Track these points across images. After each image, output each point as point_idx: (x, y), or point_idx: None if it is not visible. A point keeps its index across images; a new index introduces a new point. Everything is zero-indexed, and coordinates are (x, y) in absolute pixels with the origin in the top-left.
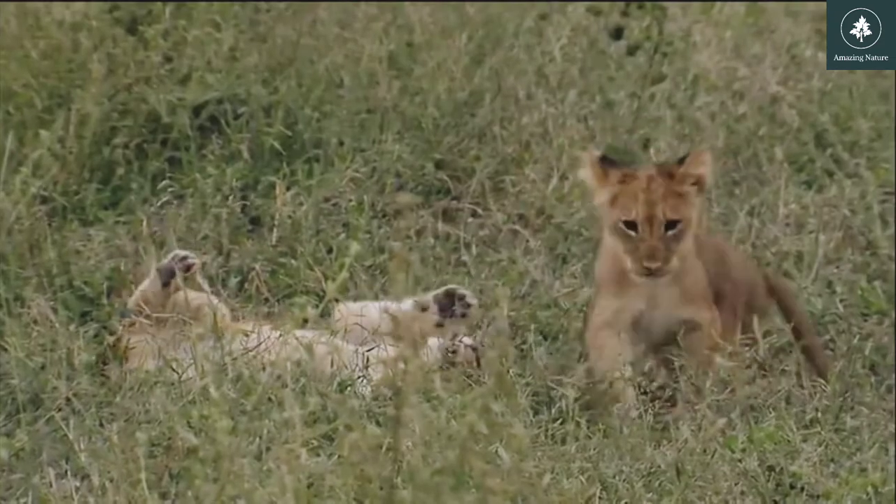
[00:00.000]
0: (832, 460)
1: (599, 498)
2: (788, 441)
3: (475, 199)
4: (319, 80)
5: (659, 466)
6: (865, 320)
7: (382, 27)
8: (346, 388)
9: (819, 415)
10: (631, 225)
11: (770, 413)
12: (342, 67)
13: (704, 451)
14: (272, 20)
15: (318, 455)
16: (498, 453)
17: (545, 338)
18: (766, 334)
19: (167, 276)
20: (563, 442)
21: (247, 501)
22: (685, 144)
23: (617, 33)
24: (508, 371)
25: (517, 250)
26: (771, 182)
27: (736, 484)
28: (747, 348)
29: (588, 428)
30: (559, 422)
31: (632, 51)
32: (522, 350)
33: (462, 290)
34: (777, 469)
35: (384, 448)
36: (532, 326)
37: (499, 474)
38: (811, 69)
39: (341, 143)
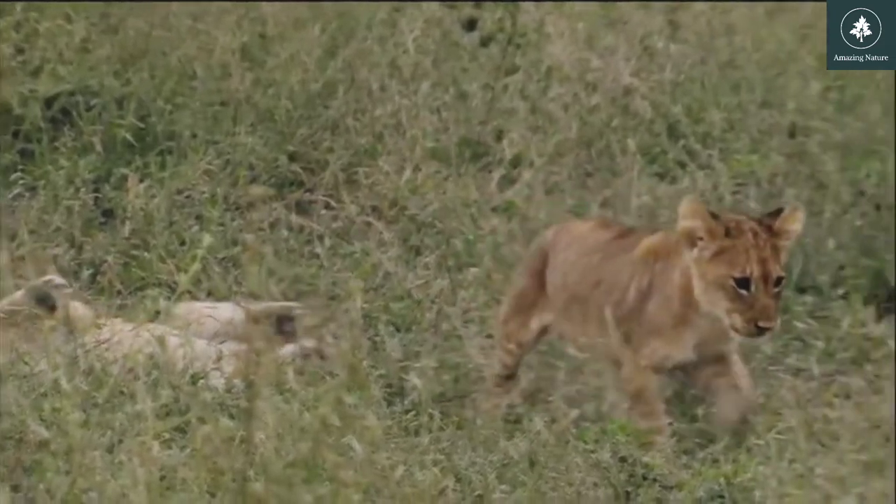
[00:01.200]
0: (685, 452)
1: (453, 490)
2: (642, 432)
3: (328, 191)
4: (172, 72)
5: (512, 458)
6: None
7: (235, 19)
8: (198, 380)
9: (671, 406)
10: (743, 282)
11: (623, 404)
12: (195, 59)
13: (557, 442)
14: (124, 12)
15: (171, 448)
16: (351, 445)
17: (398, 329)
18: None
19: (39, 299)
20: (417, 433)
21: (98, 494)
22: (539, 136)
23: (470, 25)
24: (361, 363)
25: (370, 242)
26: (624, 173)
27: (589, 475)
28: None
29: (441, 419)
30: (412, 413)
31: (485, 42)
32: (375, 342)
33: (299, 310)
34: (630, 460)
35: (237, 440)
36: (385, 318)
37: (351, 466)
38: (663, 60)
39: (194, 136)
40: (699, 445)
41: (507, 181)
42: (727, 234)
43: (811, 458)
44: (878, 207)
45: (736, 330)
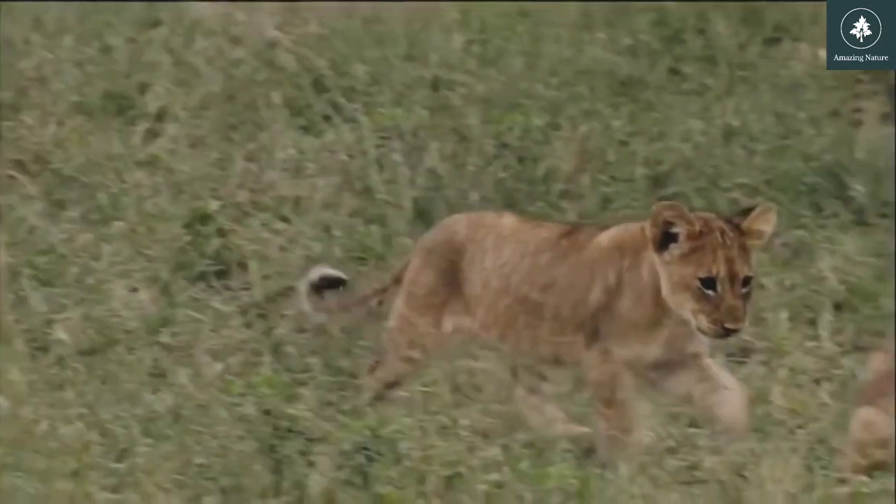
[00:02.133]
0: (329, 403)
1: (97, 444)
2: (287, 385)
3: None
4: None
5: (157, 411)
6: (363, 265)
7: None
8: None
9: (315, 360)
10: (709, 282)
11: (267, 358)
12: None
13: (202, 396)
14: None
15: None
16: None
17: (42, 283)
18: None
19: None
20: (61, 388)
21: None
22: (183, 89)
23: None
24: (5, 317)
25: (14, 196)
26: (269, 127)
27: (233, 428)
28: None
29: (86, 373)
30: (57, 367)
31: None
32: (19, 296)
33: None
34: (274, 413)
35: None
36: (29, 272)
37: None
38: (308, 14)
39: None
40: (343, 398)
41: (152, 135)
42: (699, 233)
43: (456, 410)
44: (521, 160)
45: (702, 331)
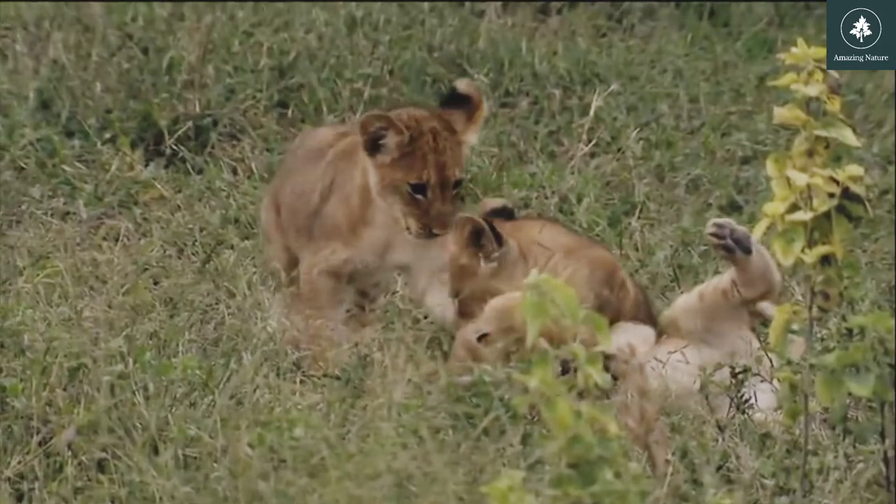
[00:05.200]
0: None
1: None
2: None
3: None
4: None
5: None
6: None
7: None
8: None
9: None
10: (419, 188)
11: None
12: None
13: None
14: None
15: None
16: None
17: None
18: None
19: None
20: None
21: None
22: None
23: None
24: None
25: None
26: None
27: None
28: None
29: None
30: None
31: None
32: None
33: None
34: None
35: None
36: None
37: None
38: None
39: None
40: None
41: None
42: (410, 139)
43: (79, 301)
44: (144, 51)
45: (409, 231)
